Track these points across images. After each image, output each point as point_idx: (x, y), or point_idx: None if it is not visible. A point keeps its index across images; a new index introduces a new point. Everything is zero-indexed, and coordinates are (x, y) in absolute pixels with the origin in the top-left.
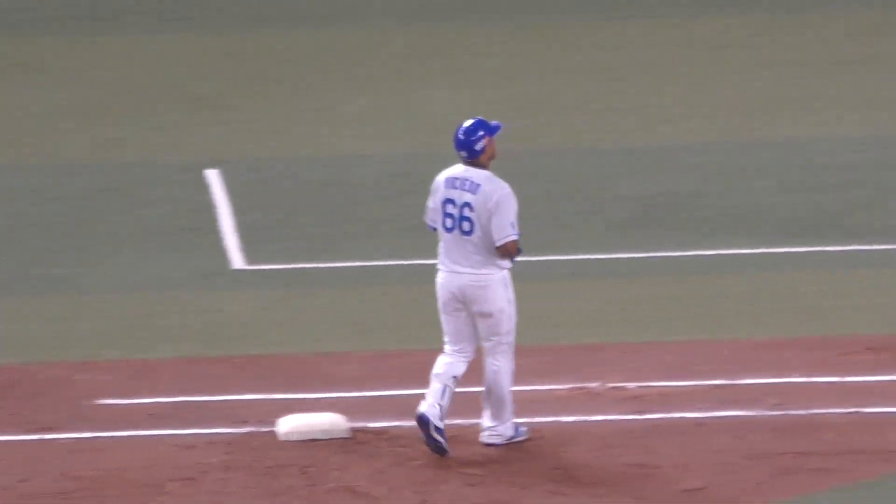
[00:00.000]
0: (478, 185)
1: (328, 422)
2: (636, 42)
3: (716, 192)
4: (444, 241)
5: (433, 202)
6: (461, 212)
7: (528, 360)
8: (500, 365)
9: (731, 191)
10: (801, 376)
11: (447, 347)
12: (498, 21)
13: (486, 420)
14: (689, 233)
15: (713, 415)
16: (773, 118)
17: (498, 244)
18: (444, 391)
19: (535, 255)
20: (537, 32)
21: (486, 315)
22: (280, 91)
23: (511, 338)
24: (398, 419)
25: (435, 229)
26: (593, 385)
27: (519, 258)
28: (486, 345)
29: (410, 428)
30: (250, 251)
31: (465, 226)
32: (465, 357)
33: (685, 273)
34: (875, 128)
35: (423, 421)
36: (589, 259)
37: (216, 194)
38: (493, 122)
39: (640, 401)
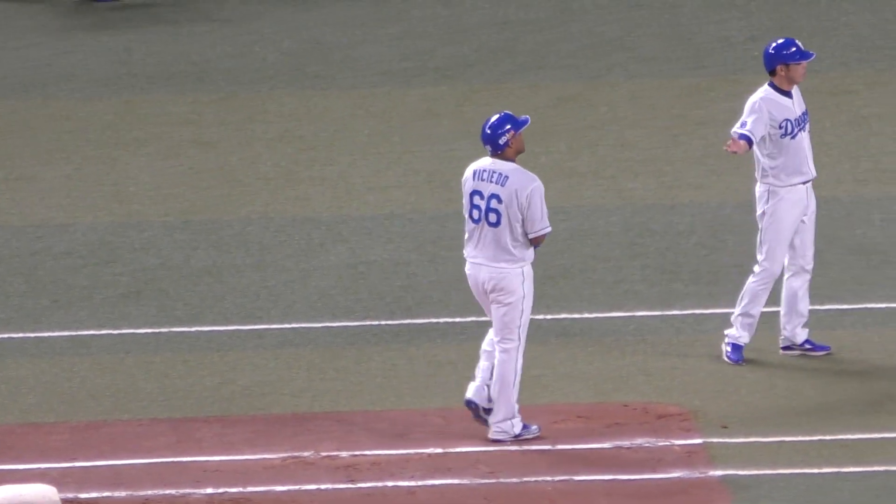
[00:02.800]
0: (506, 177)
1: (38, 493)
2: (342, 112)
3: (425, 262)
4: (470, 232)
5: (464, 196)
6: (488, 203)
7: (240, 430)
8: (506, 366)
9: (440, 260)
10: (513, 444)
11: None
12: (201, 90)
13: (493, 416)
14: (398, 302)
15: (426, 483)
16: None
17: (531, 236)
18: (492, 370)
19: (237, 325)
20: (240, 102)
21: (502, 304)
22: None
23: (521, 334)
24: (110, 489)
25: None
26: (306, 454)
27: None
28: (496, 338)
29: (122, 498)
30: None
31: (492, 217)
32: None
33: (397, 341)
34: (579, 198)
35: (470, 406)
36: (298, 328)
37: None
38: (522, 117)
39: (352, 469)
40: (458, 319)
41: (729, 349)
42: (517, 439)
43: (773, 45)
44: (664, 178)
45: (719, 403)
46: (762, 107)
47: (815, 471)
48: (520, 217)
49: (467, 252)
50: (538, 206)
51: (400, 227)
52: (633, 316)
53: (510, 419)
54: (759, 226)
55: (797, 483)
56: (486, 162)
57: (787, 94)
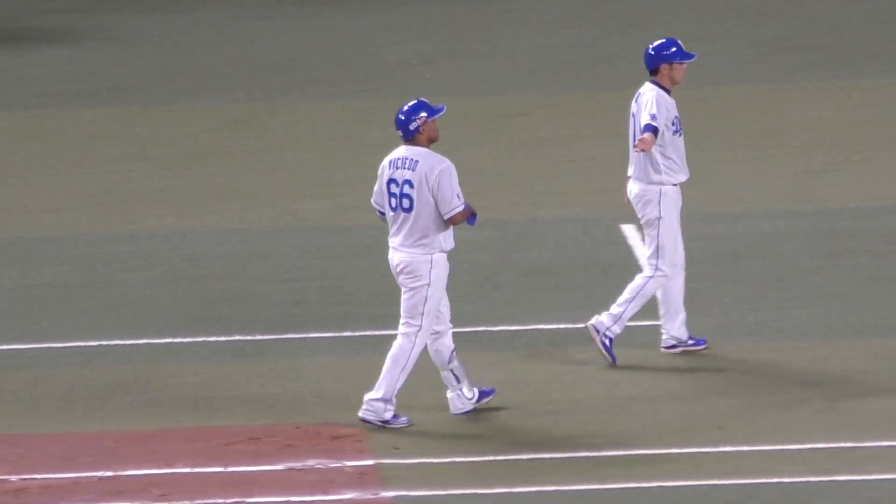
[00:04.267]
0: (416, 162)
1: None
2: (14, 132)
3: (99, 283)
4: (390, 220)
5: (378, 186)
6: (402, 189)
7: None
8: (403, 346)
9: (114, 282)
10: (185, 467)
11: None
12: None
13: (372, 392)
14: (72, 324)
15: None
16: (152, 209)
17: (446, 217)
18: (451, 377)
19: None
20: None
21: (408, 289)
22: None
23: (424, 321)
24: None
25: (382, 213)
26: None
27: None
28: (402, 321)
29: None
30: None
31: (405, 203)
32: (437, 334)
33: (72, 364)
34: (255, 220)
35: (464, 414)
36: None
37: None
38: (437, 105)
39: (22, 493)
40: (131, 342)
41: (608, 342)
42: (385, 426)
43: (654, 45)
44: (341, 200)
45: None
46: (661, 102)
47: (488, 491)
48: (431, 200)
49: (389, 239)
50: (447, 186)
51: (74, 248)
52: (309, 337)
53: (385, 401)
54: (648, 230)
55: (469, 502)
56: (399, 151)
57: (669, 93)
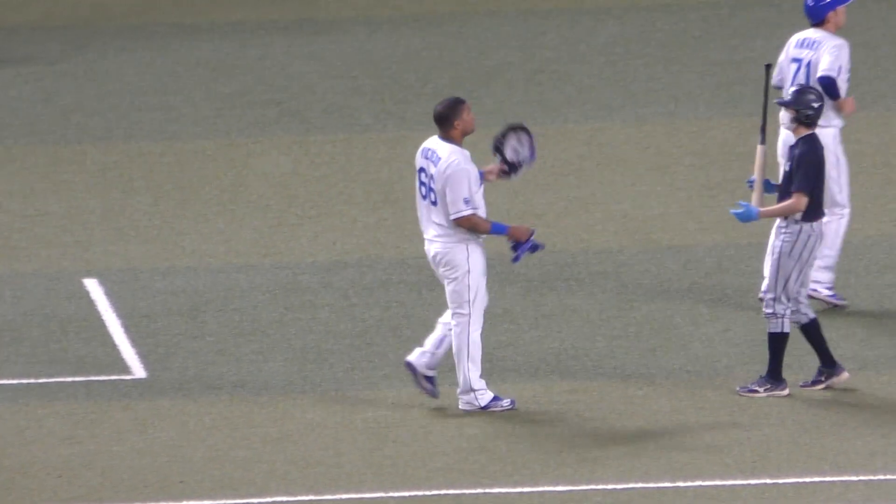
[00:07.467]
0: (438, 158)
1: None
2: None
3: None
4: (420, 208)
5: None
6: (428, 181)
7: None
8: (459, 339)
9: None
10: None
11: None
12: None
13: (458, 387)
14: None
15: None
16: None
17: (452, 218)
18: (442, 340)
19: None
20: None
21: (449, 279)
22: None
23: (471, 308)
24: None
25: None
26: None
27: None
28: (451, 313)
29: None
30: None
31: (432, 196)
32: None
33: None
34: None
35: (408, 367)
36: None
37: None
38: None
39: None
40: None
41: (830, 293)
42: (486, 410)
43: None
44: None
45: None
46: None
47: None
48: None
49: (422, 229)
50: (457, 188)
51: None
52: None
53: (472, 391)
54: (834, 172)
55: None
56: (430, 141)
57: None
